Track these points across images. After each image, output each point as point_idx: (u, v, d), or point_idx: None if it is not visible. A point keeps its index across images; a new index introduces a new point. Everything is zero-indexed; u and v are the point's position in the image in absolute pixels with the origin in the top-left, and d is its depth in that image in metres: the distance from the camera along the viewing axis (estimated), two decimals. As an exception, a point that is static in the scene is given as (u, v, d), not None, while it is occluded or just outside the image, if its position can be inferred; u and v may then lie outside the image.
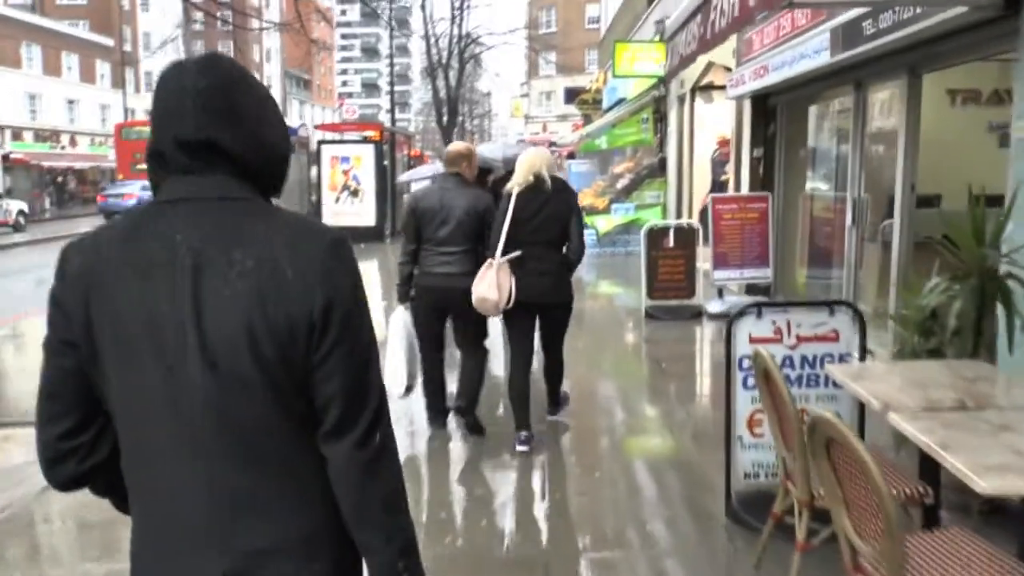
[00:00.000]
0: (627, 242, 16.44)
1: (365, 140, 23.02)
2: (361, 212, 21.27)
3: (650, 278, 9.92)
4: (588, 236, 5.89)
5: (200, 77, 1.51)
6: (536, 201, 5.29)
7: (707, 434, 5.88)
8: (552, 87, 60.93)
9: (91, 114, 51.93)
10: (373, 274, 14.96)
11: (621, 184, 19.39)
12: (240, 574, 1.50)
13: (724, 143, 15.38)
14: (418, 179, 14.04)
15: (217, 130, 1.51)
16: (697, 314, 9.85)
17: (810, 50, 7.26)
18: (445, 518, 4.65)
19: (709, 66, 13.67)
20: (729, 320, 4.27)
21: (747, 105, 10.44)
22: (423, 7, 38.09)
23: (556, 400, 6.04)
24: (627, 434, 6.01)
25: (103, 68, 53.35)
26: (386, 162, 22.38)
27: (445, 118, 40.21)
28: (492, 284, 5.16)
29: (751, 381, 4.26)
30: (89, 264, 1.50)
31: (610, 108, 25.30)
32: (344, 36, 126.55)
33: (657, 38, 16.85)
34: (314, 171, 23.25)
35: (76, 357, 1.50)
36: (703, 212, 15.59)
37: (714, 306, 9.87)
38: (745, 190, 10.50)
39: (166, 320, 1.45)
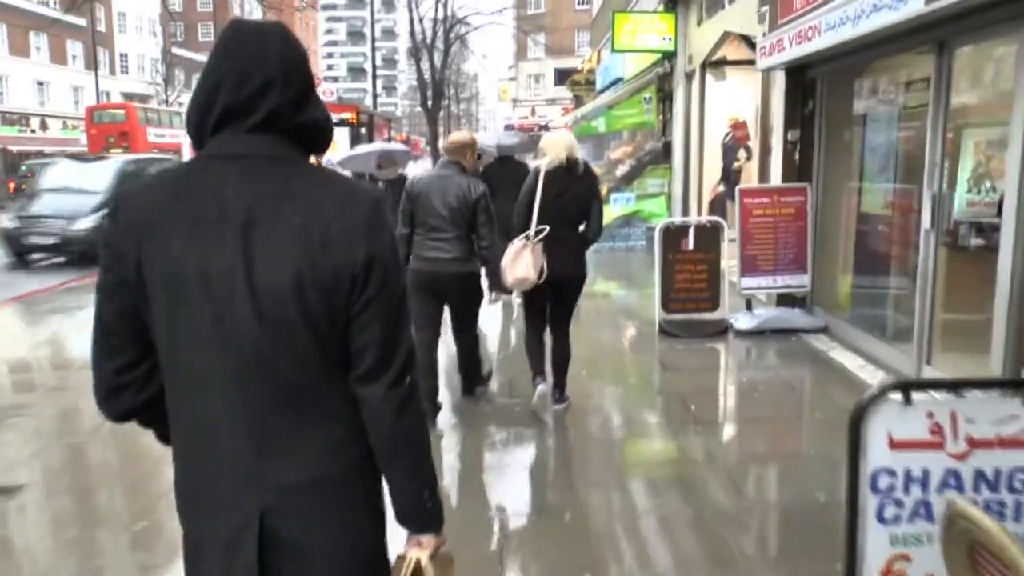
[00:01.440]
0: (628, 236, 14.78)
1: (340, 123, 21.32)
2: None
3: (665, 287, 8.18)
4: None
5: (287, 48, 1.64)
6: (563, 182, 5.46)
7: (776, 537, 4.23)
8: (541, 70, 59.23)
9: (63, 96, 49.90)
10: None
11: (620, 171, 17.62)
12: (276, 509, 1.58)
13: (737, 126, 13.69)
14: (360, 156, 12.54)
15: (298, 99, 1.63)
16: (722, 331, 8.15)
17: (889, -1, 5.53)
18: None
19: (723, 38, 11.94)
20: (857, 408, 2.55)
21: (779, 78, 8.69)
22: (406, -17, 36.08)
23: (563, 390, 5.91)
24: (653, 529, 4.18)
25: (75, 49, 51.23)
26: (363, 146, 20.66)
27: (430, 101, 38.27)
28: (530, 265, 5.35)
29: (890, 511, 2.57)
30: (141, 213, 1.58)
31: (604, 89, 23.60)
32: (329, 19, 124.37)
33: (661, 8, 15.11)
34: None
35: (130, 297, 1.58)
36: (712, 203, 13.95)
37: (743, 321, 8.15)
38: (777, 180, 8.75)
39: (215, 270, 1.53)
